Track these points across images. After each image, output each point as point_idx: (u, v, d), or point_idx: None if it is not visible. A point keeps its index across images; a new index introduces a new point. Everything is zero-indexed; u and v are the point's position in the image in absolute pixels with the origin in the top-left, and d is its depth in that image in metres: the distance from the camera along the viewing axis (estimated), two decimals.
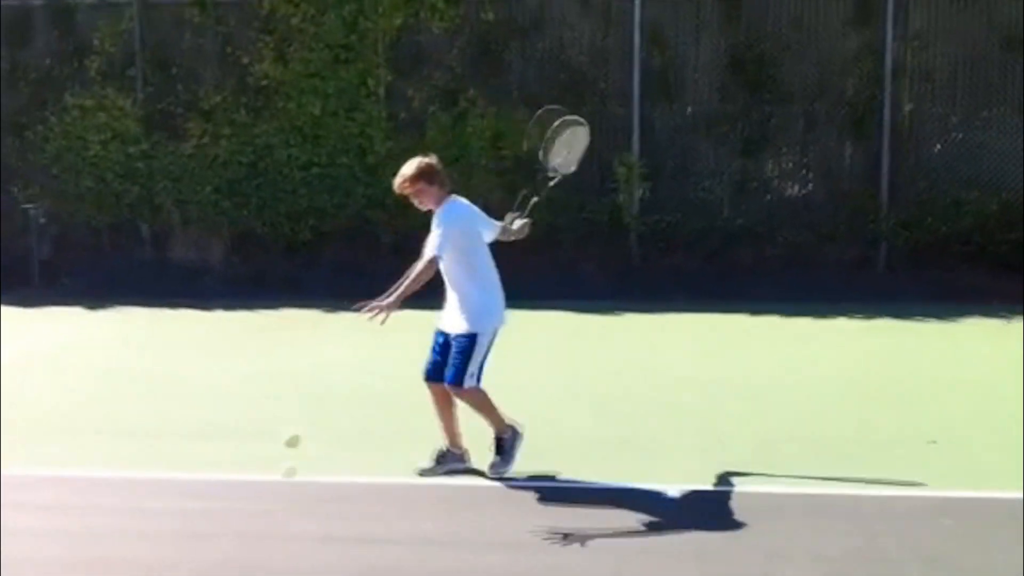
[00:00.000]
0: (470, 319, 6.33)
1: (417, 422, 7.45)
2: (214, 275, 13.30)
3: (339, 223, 13.67)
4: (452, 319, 6.41)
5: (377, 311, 6.20)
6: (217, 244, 13.73)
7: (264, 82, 13.56)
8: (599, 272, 12.96)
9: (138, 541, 5.48)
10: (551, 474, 6.40)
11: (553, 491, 6.17)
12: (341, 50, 13.42)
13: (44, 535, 5.54)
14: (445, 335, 6.44)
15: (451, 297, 6.44)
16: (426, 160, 6.45)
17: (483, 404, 6.39)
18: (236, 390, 8.54)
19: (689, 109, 13.63)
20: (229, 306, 11.94)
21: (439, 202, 6.42)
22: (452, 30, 13.37)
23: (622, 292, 12.22)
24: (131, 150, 13.82)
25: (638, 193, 13.32)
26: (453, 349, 6.35)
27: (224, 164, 13.72)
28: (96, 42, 13.73)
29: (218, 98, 13.62)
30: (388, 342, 10.35)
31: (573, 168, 6.82)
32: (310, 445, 6.99)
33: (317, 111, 13.49)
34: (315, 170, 13.60)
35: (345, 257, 13.62)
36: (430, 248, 6.29)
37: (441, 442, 6.52)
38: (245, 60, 13.58)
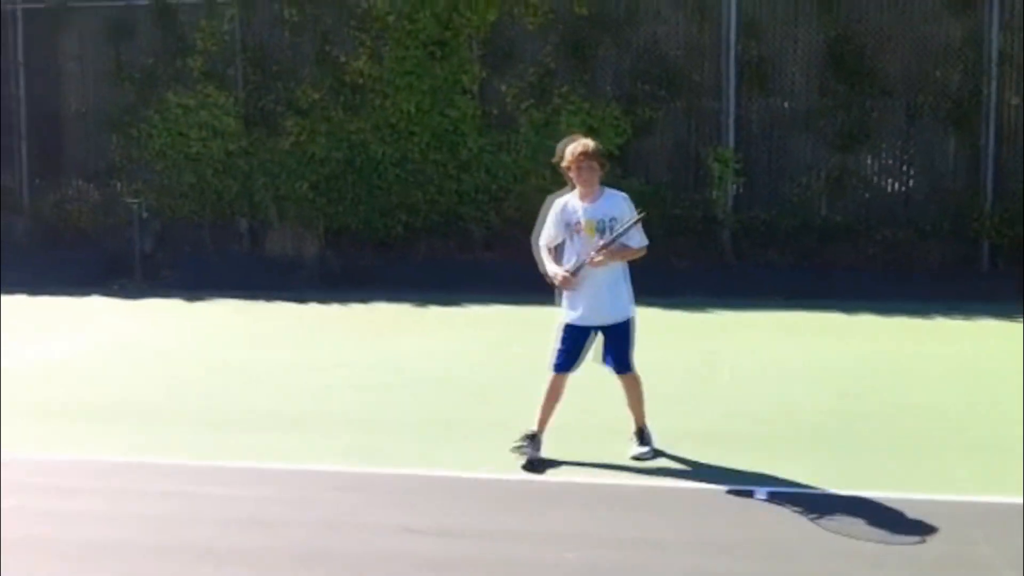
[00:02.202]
0: (627, 305, 6.51)
1: (504, 413, 7.49)
2: (309, 269, 13.50)
3: (431, 219, 13.76)
4: (605, 310, 6.43)
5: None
6: (312, 239, 13.93)
7: (360, 80, 13.71)
8: (692, 269, 12.81)
9: (213, 528, 5.58)
10: (636, 469, 6.35)
11: (637, 490, 6.13)
12: (435, 47, 13.50)
13: (113, 520, 5.67)
14: (587, 328, 6.46)
15: (600, 288, 6.41)
16: (596, 144, 6.49)
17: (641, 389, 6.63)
18: (325, 382, 8.64)
19: (785, 103, 13.39)
20: (323, 300, 12.11)
21: (595, 186, 6.42)
22: (545, 26, 13.35)
23: (716, 289, 12.05)
24: (231, 147, 14.12)
25: (732, 189, 13.13)
26: (612, 337, 6.46)
27: (320, 161, 13.92)
28: (198, 42, 14.04)
29: (315, 96, 13.82)
30: (478, 335, 10.47)
31: None
32: (390, 435, 7.09)
33: (411, 108, 13.60)
34: (408, 166, 13.72)
35: (437, 252, 13.73)
36: (642, 236, 6.46)
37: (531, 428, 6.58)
38: (341, 58, 13.76)
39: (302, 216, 14.01)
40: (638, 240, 6.48)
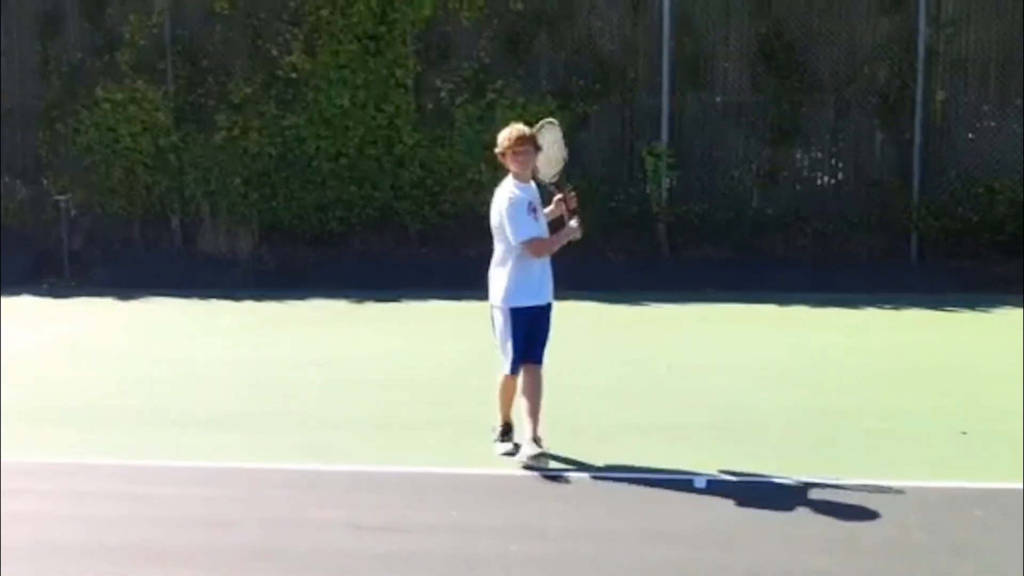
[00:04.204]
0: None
1: (448, 409, 7.50)
2: (243, 266, 13.36)
3: (366, 214, 13.69)
4: (545, 287, 6.55)
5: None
6: (245, 235, 13.77)
7: (293, 74, 13.59)
8: (627, 262, 12.93)
9: (160, 528, 5.52)
10: (578, 462, 6.39)
11: (581, 482, 6.17)
12: (370, 41, 13.43)
13: (57, 521, 5.58)
14: (535, 308, 6.49)
15: (545, 268, 6.53)
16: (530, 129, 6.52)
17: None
18: (262, 379, 8.57)
19: (718, 98, 13.54)
20: (257, 297, 12.00)
21: (530, 173, 6.51)
22: (480, 21, 13.35)
23: (650, 282, 12.17)
24: (161, 142, 13.91)
25: (666, 183, 13.26)
26: (545, 320, 6.54)
27: (253, 156, 13.78)
28: (127, 35, 13.81)
29: (248, 90, 13.67)
30: (415, 331, 10.45)
31: (554, 171, 6.66)
32: (336, 433, 7.06)
33: (346, 103, 13.51)
34: (343, 161, 13.63)
35: (373, 248, 13.67)
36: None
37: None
38: (274, 52, 13.62)
39: (235, 212, 13.85)
40: (573, 220, 6.62)
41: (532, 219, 6.43)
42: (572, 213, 6.54)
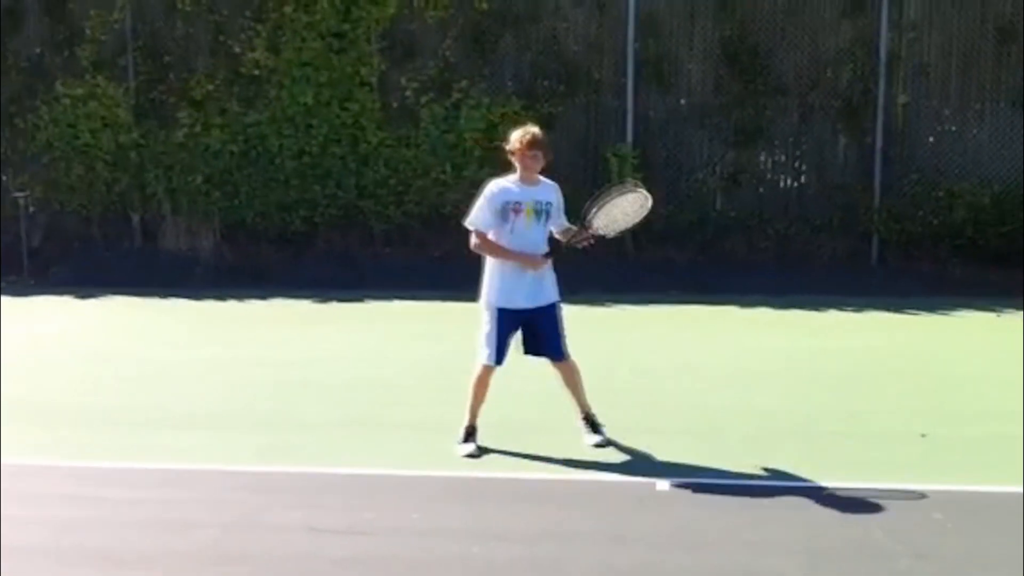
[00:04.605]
0: (554, 288, 6.66)
1: (412, 411, 7.46)
2: (204, 265, 13.24)
3: (330, 213, 13.61)
4: (536, 292, 6.56)
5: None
6: (207, 234, 13.65)
7: (256, 71, 13.49)
8: (590, 263, 12.88)
9: (119, 530, 5.44)
10: (541, 464, 6.37)
11: (544, 484, 6.15)
12: (334, 39, 13.36)
13: (13, 523, 5.48)
14: (521, 311, 6.54)
15: (541, 272, 6.57)
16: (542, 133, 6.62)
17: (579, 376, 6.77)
18: (223, 380, 8.49)
19: (682, 100, 13.60)
20: (219, 296, 11.90)
21: (537, 173, 6.62)
22: (446, 20, 13.32)
23: (614, 284, 12.18)
24: (122, 139, 13.76)
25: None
26: (543, 322, 6.59)
27: (215, 154, 13.66)
28: (88, 30, 13.65)
29: (210, 87, 13.55)
30: (379, 331, 10.40)
31: (610, 229, 6.66)
32: (298, 434, 7.00)
33: (309, 100, 13.43)
34: (307, 159, 13.55)
35: (336, 247, 13.59)
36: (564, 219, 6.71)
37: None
38: (237, 49, 13.51)
39: (197, 210, 13.72)
40: (566, 222, 6.77)
41: (496, 215, 6.50)
42: (562, 247, 6.62)
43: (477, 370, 6.65)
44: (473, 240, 6.61)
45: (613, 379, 8.49)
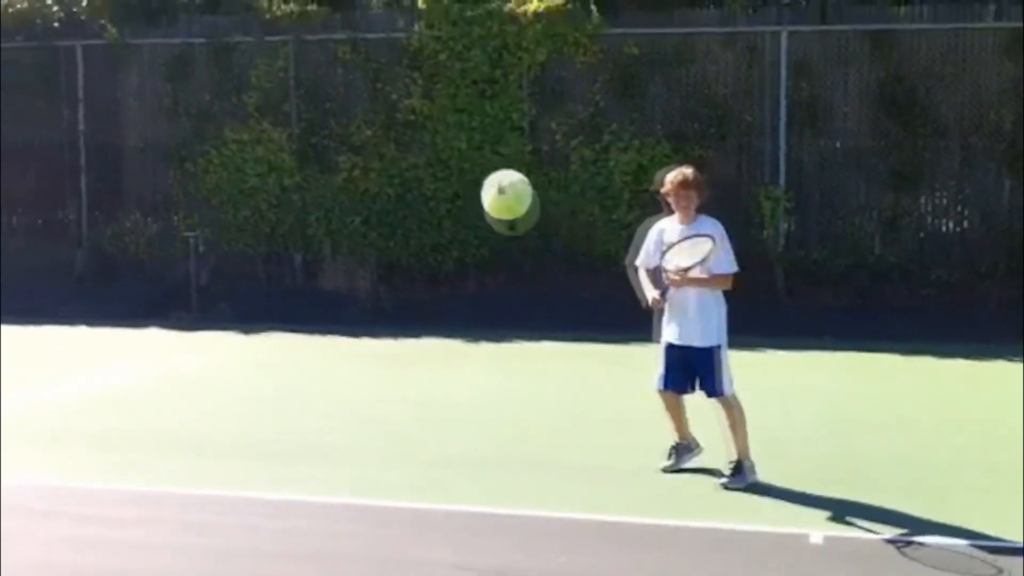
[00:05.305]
0: (714, 332, 6.80)
1: (553, 451, 7.51)
2: (361, 304, 13.61)
3: (481, 254, 13.83)
4: (689, 332, 6.78)
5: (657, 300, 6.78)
6: (364, 274, 14.04)
7: (412, 117, 13.87)
8: (743, 307, 12.71)
9: (265, 560, 5.60)
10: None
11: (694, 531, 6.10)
12: (486, 85, 13.64)
13: (148, 549, 5.70)
14: (678, 347, 6.81)
15: (687, 310, 6.77)
16: (696, 172, 6.83)
17: (741, 416, 6.84)
18: (373, 415, 8.68)
19: (838, 143, 13.36)
20: (374, 334, 12.20)
21: (693, 214, 6.79)
22: (595, 64, 13.45)
23: (767, 329, 11.97)
24: (286, 182, 14.31)
25: (784, 227, 13.10)
26: (697, 361, 6.79)
27: (373, 196, 14.07)
28: (253, 79, 14.29)
29: (368, 132, 13.99)
30: (525, 371, 10.49)
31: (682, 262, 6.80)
32: (439, 472, 7.10)
33: (463, 145, 13.72)
34: (460, 203, 13.81)
35: (487, 287, 13.79)
36: (729, 263, 6.84)
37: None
38: (394, 96, 13.93)
39: (354, 251, 14.15)
40: (726, 267, 6.81)
41: (650, 249, 6.87)
42: (656, 301, 6.77)
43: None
44: (631, 274, 6.99)
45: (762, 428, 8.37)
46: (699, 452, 7.10)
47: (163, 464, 7.25)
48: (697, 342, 6.76)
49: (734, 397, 6.83)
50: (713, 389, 6.78)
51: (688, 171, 6.78)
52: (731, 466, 6.78)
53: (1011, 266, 12.57)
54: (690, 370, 6.84)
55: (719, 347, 6.79)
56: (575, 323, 12.03)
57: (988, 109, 12.71)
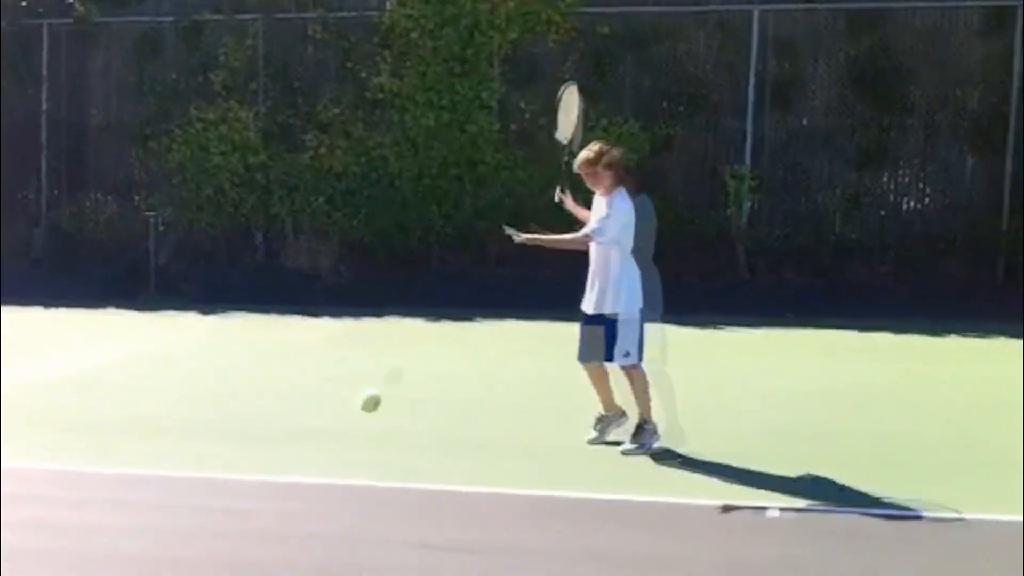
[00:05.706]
0: (615, 302, 6.78)
1: (519, 428, 7.50)
2: (323, 283, 13.55)
3: (446, 233, 13.79)
4: (590, 299, 6.88)
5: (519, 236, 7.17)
6: (327, 252, 14.00)
7: (380, 95, 13.79)
8: (705, 285, 12.79)
9: (236, 540, 5.57)
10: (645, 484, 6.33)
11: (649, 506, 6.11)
12: (456, 63, 13.57)
13: (120, 532, 5.65)
14: (585, 315, 6.91)
15: (593, 278, 6.88)
16: (610, 149, 6.97)
17: (642, 384, 6.85)
18: (333, 394, 8.62)
19: (804, 121, 13.40)
20: (336, 314, 12.15)
21: (609, 190, 6.85)
22: (566, 43, 13.40)
23: (728, 306, 12.02)
24: (250, 160, 14.22)
25: (747, 206, 13.12)
26: (602, 327, 6.80)
27: (338, 175, 14.00)
28: (221, 57, 14.16)
29: (335, 111, 13.91)
30: (488, 350, 10.47)
31: (567, 134, 7.26)
32: (396, 452, 7.07)
33: (431, 123, 13.66)
34: (425, 181, 13.76)
35: (451, 266, 13.76)
36: (595, 226, 6.82)
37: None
38: (363, 74, 13.84)
39: (318, 229, 14.08)
40: (587, 228, 6.91)
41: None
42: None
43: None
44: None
45: (733, 401, 8.40)
46: (624, 422, 7.04)
47: (129, 446, 7.18)
48: (602, 309, 6.80)
49: (636, 367, 6.83)
50: (609, 356, 6.84)
51: (593, 150, 6.90)
52: (633, 430, 6.86)
53: (969, 243, 12.65)
54: (597, 338, 6.87)
55: (622, 316, 6.77)
56: (540, 302, 12.01)
57: (954, 87, 12.77)
